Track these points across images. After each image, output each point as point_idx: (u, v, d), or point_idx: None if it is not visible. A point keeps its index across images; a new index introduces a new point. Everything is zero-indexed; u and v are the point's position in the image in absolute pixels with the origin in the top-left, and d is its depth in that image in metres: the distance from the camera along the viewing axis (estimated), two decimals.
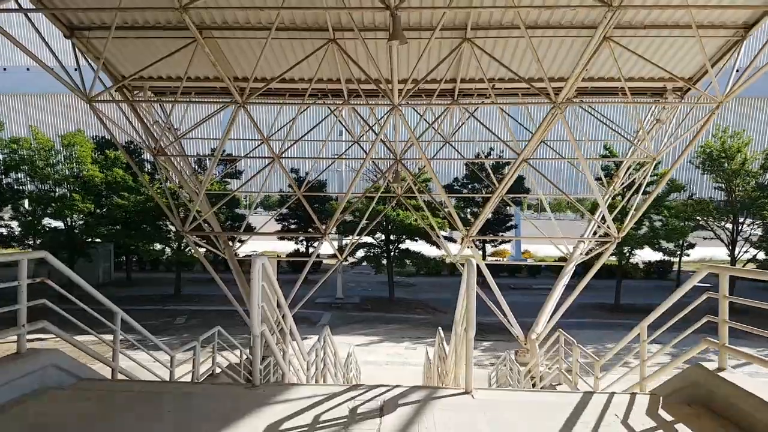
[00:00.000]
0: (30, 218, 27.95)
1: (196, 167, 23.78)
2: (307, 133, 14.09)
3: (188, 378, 7.53)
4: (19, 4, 8.86)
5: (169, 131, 13.22)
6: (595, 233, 13.02)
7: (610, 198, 13.10)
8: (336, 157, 17.18)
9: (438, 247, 28.30)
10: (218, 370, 9.12)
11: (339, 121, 15.42)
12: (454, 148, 15.83)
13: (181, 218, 12.37)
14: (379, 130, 11.08)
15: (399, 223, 26.03)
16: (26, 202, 28.93)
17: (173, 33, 10.39)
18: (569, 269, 12.20)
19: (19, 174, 28.45)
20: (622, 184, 14.01)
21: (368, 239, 25.92)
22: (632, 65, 11.32)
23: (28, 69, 43.06)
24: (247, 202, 42.16)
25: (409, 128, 10.83)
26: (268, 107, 23.06)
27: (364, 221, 16.63)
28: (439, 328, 10.40)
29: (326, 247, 35.69)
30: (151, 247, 28.70)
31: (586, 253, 12.68)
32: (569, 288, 12.32)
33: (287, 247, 37.89)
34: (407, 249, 28.80)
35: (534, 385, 9.14)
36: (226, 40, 10.60)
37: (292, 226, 31.71)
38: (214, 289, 30.37)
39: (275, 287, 4.75)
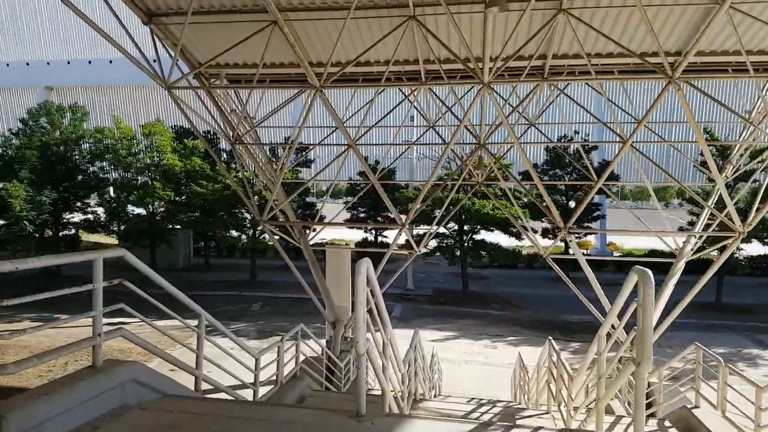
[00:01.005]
0: (114, 205, 29.55)
1: (270, 156, 23.94)
2: (383, 118, 13.55)
3: (272, 381, 7.23)
4: None
5: (245, 119, 13.14)
6: (707, 226, 11.60)
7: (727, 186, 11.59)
8: (412, 143, 16.50)
9: (518, 237, 27.07)
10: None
11: (413, 106, 14.76)
12: (540, 131, 14.74)
13: (258, 207, 12.24)
14: (463, 112, 10.29)
15: (475, 213, 25.05)
16: (111, 190, 30.60)
17: (250, 16, 10.15)
18: (679, 267, 10.91)
19: (103, 162, 30.08)
20: (735, 170, 12.42)
21: (441, 229, 25.16)
22: (753, 35, 9.81)
23: (110, 61, 45.68)
24: (314, 190, 42.58)
25: (500, 109, 9.99)
26: (338, 93, 22.77)
27: (441, 211, 15.89)
28: (550, 338, 9.49)
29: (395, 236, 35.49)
30: (228, 234, 29.54)
31: (698, 249, 11.32)
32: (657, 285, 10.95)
33: (354, 235, 37.85)
34: (482, 240, 27.76)
35: (650, 405, 8.09)
36: (302, 23, 10.21)
37: (362, 215, 31.49)
38: (286, 276, 31.09)
39: (377, 294, 4.17)
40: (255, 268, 29.25)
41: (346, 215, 31.22)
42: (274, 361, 7.07)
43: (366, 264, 3.51)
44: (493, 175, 15.50)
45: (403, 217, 11.34)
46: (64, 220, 29.99)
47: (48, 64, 47.40)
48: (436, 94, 13.49)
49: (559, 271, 12.16)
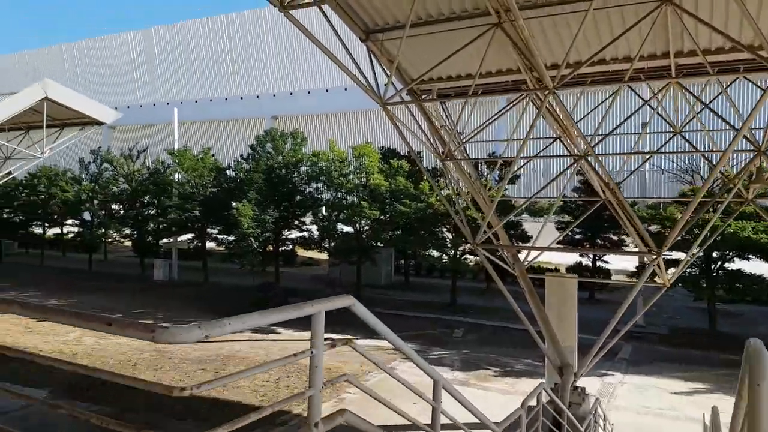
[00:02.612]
0: (326, 223, 32.01)
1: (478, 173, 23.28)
2: (620, 125, 11.68)
3: None
4: (324, 13, 9.04)
5: (455, 134, 12.62)
6: None
7: None
8: (654, 152, 14.11)
9: None
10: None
11: (653, 109, 12.56)
12: None
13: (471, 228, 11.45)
14: (747, 113, 8.08)
15: (729, 236, 20.75)
16: (323, 209, 33.32)
17: (468, 22, 9.60)
18: None
19: (318, 183, 32.92)
20: None
21: (680, 255, 21.38)
22: None
23: (326, 90, 50.75)
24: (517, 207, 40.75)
25: None
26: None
27: (703, 234, 13.12)
28: None
29: (620, 262, 31.69)
30: (428, 254, 29.74)
31: None
32: None
33: (563, 258, 35.00)
34: (738, 270, 22.94)
35: None
36: (527, 23, 9.24)
37: (577, 237, 28.77)
38: (488, 300, 30.11)
39: None
40: (456, 290, 28.78)
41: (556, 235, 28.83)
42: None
43: None
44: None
45: (655, 247, 9.39)
46: (283, 237, 33.60)
47: (274, 96, 54.75)
48: (691, 93, 11.18)
49: None
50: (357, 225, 29.94)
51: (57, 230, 47.68)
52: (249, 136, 47.50)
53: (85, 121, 30.22)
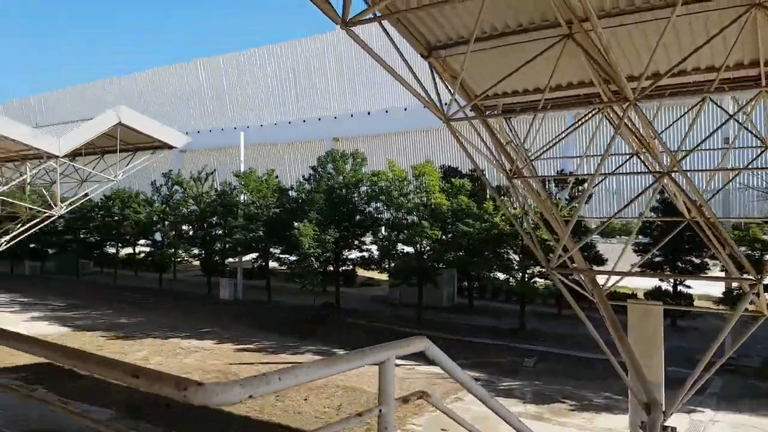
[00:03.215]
0: (386, 243, 31.82)
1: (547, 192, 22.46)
2: (707, 138, 10.81)
3: None
4: (384, 30, 8.92)
5: (523, 151, 12.13)
6: None
7: None
8: (743, 168, 12.99)
9: None
10: None
11: (740, 123, 11.58)
12: None
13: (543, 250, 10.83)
14: None
15: None
16: (383, 229, 33.21)
17: (537, 34, 9.24)
18: None
19: (378, 203, 32.90)
20: None
21: None
22: None
23: (386, 111, 51.17)
24: (590, 228, 39.02)
25: None
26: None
27: None
28: None
29: (702, 287, 29.48)
30: (494, 276, 28.87)
31: None
32: None
33: (642, 283, 32.97)
34: None
35: None
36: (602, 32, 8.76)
37: (656, 259, 27.03)
38: (559, 326, 28.66)
39: None
40: (524, 315, 27.65)
41: (634, 258, 27.29)
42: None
43: None
44: None
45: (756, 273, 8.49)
46: (344, 257, 33.70)
47: (335, 118, 55.75)
48: None
49: None
50: (418, 245, 29.55)
51: (129, 250, 50.21)
52: (311, 157, 48.48)
53: (157, 145, 31.81)
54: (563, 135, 12.64)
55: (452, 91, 10.03)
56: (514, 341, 25.28)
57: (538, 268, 27.15)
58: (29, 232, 31.61)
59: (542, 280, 28.48)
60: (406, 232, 29.29)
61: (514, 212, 20.73)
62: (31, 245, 47.02)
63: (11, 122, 26.07)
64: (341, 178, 33.38)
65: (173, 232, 43.08)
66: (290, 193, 37.25)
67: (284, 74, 59.68)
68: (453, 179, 29.16)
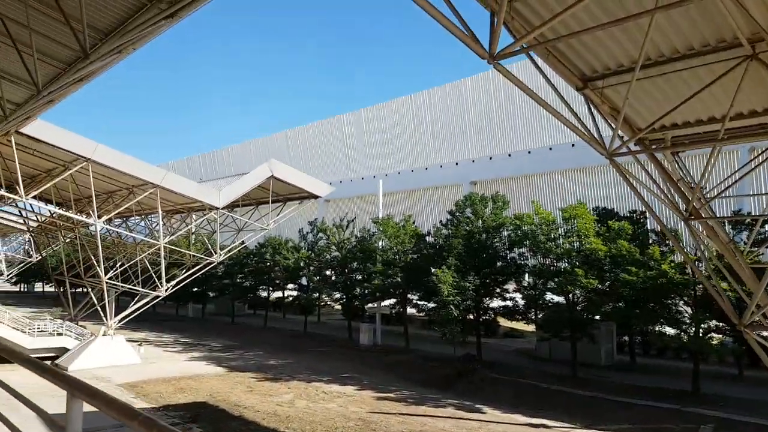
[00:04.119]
0: (532, 292, 30.13)
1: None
2: None
3: None
4: (536, 65, 8.51)
5: (699, 189, 10.73)
6: None
7: None
8: None
9: None
10: None
11: None
12: None
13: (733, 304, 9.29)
14: None
15: None
16: (527, 276, 31.57)
17: (710, 58, 8.23)
18: None
19: (522, 249, 31.46)
20: None
21: None
22: None
23: (529, 152, 49.79)
24: None
25: None
26: None
27: None
28: None
29: None
30: (661, 330, 25.79)
31: None
32: None
33: None
34: None
35: None
36: None
37: None
38: (743, 389, 24.56)
39: None
40: (698, 375, 24.17)
41: None
42: None
43: None
44: None
45: None
46: (485, 305, 32.48)
47: (473, 161, 55.54)
48: None
49: None
50: (570, 295, 27.52)
51: (279, 294, 53.78)
52: (448, 202, 48.49)
53: (304, 196, 34.10)
54: (749, 169, 10.98)
55: (614, 125, 9.25)
56: (686, 405, 22.08)
57: (714, 322, 23.84)
58: (192, 277, 35.31)
59: (719, 335, 24.88)
60: (556, 280, 27.48)
61: (691, 258, 18.45)
62: (194, 289, 52.25)
63: (180, 178, 29.74)
64: (481, 222, 32.58)
65: (317, 277, 45.29)
66: (428, 238, 37.28)
67: (423, 122, 61.38)
68: (610, 222, 26.87)
